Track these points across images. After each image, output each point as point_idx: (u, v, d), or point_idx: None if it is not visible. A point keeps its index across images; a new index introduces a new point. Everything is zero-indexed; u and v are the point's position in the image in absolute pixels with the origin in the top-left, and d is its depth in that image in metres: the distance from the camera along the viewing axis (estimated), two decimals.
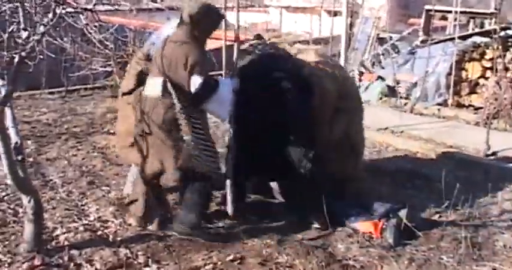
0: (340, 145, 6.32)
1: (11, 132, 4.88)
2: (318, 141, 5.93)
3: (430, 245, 5.60)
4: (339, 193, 6.21)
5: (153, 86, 5.45)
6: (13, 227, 5.74)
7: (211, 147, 5.55)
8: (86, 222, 5.96)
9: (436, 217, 6.27)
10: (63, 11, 4.67)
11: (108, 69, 11.85)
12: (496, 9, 14.27)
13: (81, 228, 5.76)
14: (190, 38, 5.42)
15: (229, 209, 5.83)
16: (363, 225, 5.85)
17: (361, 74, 13.27)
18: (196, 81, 5.24)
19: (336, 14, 16.11)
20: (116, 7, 12.41)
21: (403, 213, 5.79)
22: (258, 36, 6.59)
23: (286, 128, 5.83)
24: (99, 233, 5.73)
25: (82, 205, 6.43)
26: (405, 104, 11.49)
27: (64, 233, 5.65)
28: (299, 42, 13.19)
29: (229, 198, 5.83)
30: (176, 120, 5.33)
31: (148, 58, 5.95)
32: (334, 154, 6.22)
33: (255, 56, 6.14)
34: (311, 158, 5.82)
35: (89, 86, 12.40)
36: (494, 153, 8.43)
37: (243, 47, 6.32)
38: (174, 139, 5.38)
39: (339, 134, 6.28)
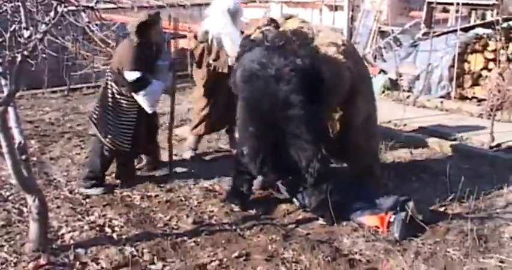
0: (366, 129, 6.53)
1: (15, 132, 4.88)
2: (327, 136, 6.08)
3: (436, 238, 5.60)
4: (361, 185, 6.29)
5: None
6: (18, 226, 5.75)
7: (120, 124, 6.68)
8: (91, 220, 5.97)
9: (441, 210, 6.25)
10: (65, 10, 4.66)
11: None
12: (497, 0, 14.20)
13: (86, 227, 5.77)
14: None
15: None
16: (369, 220, 5.84)
17: None
18: (130, 76, 6.49)
19: (336, 8, 16.06)
20: (118, 5, 12.45)
21: (410, 206, 5.77)
22: (271, 21, 6.48)
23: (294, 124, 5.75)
24: (105, 231, 5.74)
25: (87, 203, 6.43)
26: (408, 97, 11.45)
27: (69, 232, 5.66)
28: None
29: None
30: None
31: None
32: (362, 139, 6.49)
33: (261, 49, 5.96)
34: (321, 154, 5.80)
35: (91, 84, 12.38)
36: (498, 145, 8.40)
37: (254, 35, 6.30)
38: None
39: (364, 117, 6.36)
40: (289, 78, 5.68)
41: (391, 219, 5.71)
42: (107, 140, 6.67)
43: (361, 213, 5.92)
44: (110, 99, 6.71)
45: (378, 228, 5.75)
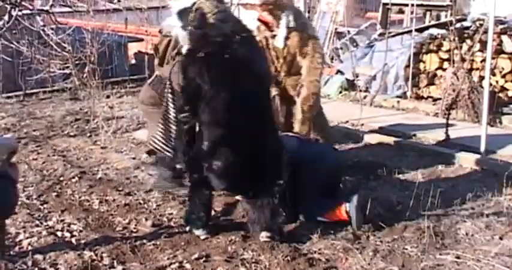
0: None
1: None
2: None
3: (394, 236, 5.65)
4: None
5: None
6: None
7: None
8: (49, 225, 5.92)
9: (398, 208, 6.33)
10: (19, 13, 4.63)
11: (67, 71, 11.76)
12: (451, 1, 14.43)
13: (45, 232, 5.72)
14: None
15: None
16: (331, 215, 5.85)
17: None
18: None
19: None
20: (73, 8, 12.37)
21: (355, 198, 5.80)
22: None
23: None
24: (63, 236, 5.70)
25: (45, 209, 6.37)
26: (365, 97, 11.56)
27: (27, 238, 5.59)
28: None
29: None
30: None
31: None
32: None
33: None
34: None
35: (47, 89, 12.28)
36: (453, 143, 8.53)
37: None
38: None
39: None
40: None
41: (348, 209, 5.74)
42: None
43: (321, 212, 5.92)
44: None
45: (341, 220, 5.77)
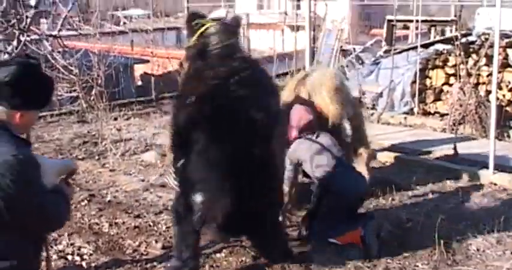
0: None
1: None
2: None
3: (404, 253, 5.63)
4: None
5: None
6: None
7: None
8: (59, 249, 5.91)
9: (409, 225, 6.31)
10: (28, 39, 4.67)
11: (74, 94, 11.80)
12: (456, 16, 14.45)
13: (55, 256, 5.70)
14: None
15: None
16: (344, 238, 5.81)
17: None
18: None
19: (298, 28, 16.21)
20: (79, 31, 12.44)
21: (371, 224, 5.78)
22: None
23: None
24: (73, 260, 5.69)
25: (54, 232, 6.37)
26: (372, 115, 11.57)
27: None
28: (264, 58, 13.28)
29: None
30: None
31: None
32: None
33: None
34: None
35: (55, 112, 12.31)
36: (462, 159, 8.51)
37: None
38: None
39: None
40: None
41: (363, 234, 5.71)
42: None
43: (334, 234, 5.89)
44: None
45: (353, 244, 5.74)
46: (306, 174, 6.32)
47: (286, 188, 6.12)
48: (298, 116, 6.12)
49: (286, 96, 6.69)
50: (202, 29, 5.00)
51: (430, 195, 7.12)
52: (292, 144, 6.10)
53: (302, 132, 6.08)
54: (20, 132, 3.04)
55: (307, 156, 5.94)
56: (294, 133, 6.10)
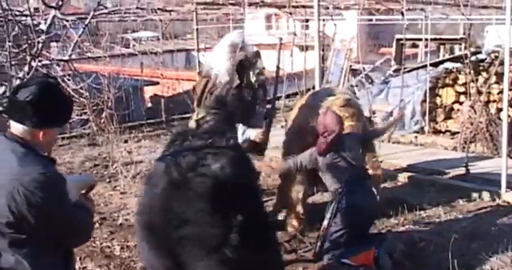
0: None
1: None
2: None
3: None
4: None
5: None
6: None
7: None
8: None
9: (421, 244, 6.27)
10: (39, 64, 4.70)
11: (84, 117, 11.84)
12: (465, 34, 14.47)
13: None
14: None
15: None
16: (357, 259, 5.77)
17: None
18: None
19: (307, 48, 16.26)
20: (89, 54, 12.51)
21: (384, 244, 5.74)
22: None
23: None
24: None
25: None
26: None
27: None
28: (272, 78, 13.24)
29: None
30: None
31: None
32: None
33: None
34: None
35: (65, 135, 12.36)
36: (474, 177, 8.47)
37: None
38: None
39: None
40: None
41: (376, 254, 5.67)
42: None
43: (347, 254, 5.85)
44: None
45: (366, 265, 5.71)
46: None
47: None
48: (332, 125, 5.81)
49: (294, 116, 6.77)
50: None
51: (443, 215, 7.08)
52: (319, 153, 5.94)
53: (331, 145, 5.86)
54: (43, 151, 3.08)
55: (328, 170, 5.88)
56: (323, 146, 5.81)
